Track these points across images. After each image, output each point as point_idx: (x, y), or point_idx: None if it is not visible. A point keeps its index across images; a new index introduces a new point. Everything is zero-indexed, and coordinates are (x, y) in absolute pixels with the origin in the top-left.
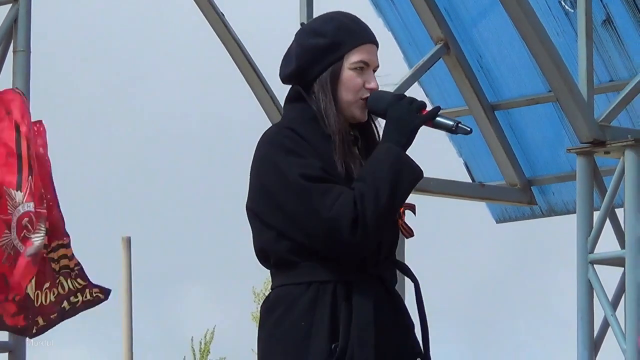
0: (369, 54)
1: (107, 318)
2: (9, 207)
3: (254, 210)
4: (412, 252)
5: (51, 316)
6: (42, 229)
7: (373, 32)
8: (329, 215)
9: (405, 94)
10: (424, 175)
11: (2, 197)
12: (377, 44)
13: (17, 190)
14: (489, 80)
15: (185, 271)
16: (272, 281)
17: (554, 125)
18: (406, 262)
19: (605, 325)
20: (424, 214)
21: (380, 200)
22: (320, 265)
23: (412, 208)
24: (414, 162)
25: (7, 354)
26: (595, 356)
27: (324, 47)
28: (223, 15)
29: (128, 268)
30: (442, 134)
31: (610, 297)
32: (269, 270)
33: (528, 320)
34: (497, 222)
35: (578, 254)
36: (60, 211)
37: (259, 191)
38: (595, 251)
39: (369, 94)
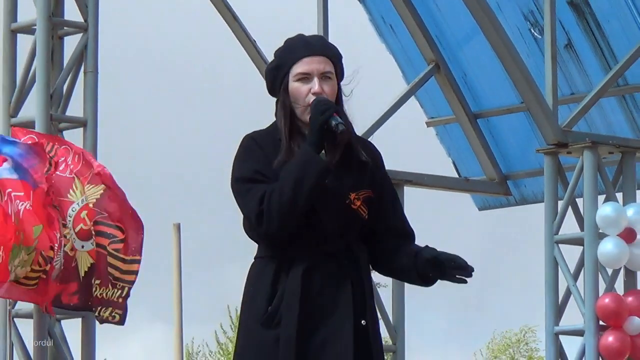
0: (309, 65)
1: (163, 295)
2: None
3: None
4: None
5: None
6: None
7: (324, 44)
8: (244, 211)
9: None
10: (420, 172)
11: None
12: (321, 54)
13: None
14: (472, 94)
15: (226, 252)
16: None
17: (525, 130)
18: None
19: (568, 293)
20: (420, 203)
21: (283, 193)
22: (272, 244)
23: (368, 194)
24: (319, 159)
25: (80, 319)
26: (560, 319)
27: (274, 67)
28: (255, 42)
29: (178, 251)
30: (434, 138)
31: (572, 271)
32: None
33: (506, 289)
34: (480, 209)
35: (545, 235)
36: (138, 233)
37: None
38: (560, 233)
39: (313, 98)
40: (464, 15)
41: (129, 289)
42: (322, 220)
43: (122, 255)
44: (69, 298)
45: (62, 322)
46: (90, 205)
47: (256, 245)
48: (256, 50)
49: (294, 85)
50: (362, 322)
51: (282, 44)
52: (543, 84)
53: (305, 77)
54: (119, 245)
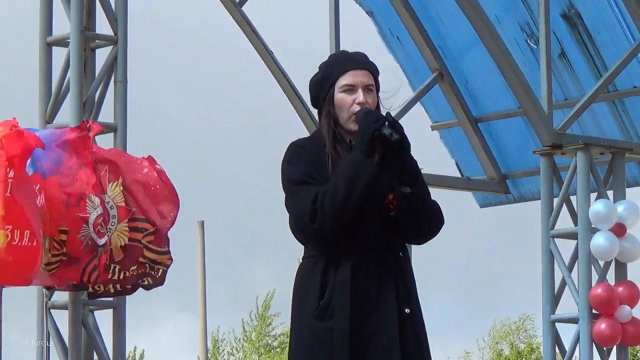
0: (354, 77)
1: (191, 288)
2: (88, 208)
3: (285, 204)
4: None
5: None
6: (111, 228)
7: (366, 60)
8: (297, 209)
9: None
10: (428, 173)
11: (83, 199)
12: (364, 68)
13: (94, 195)
14: (473, 100)
15: (251, 247)
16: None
17: (522, 133)
18: None
19: (563, 284)
20: None
21: (337, 193)
22: (319, 245)
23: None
24: (370, 164)
25: (111, 310)
26: (556, 307)
27: (320, 80)
28: (273, 53)
29: (202, 247)
30: (439, 141)
31: (566, 263)
32: None
33: (505, 281)
34: (481, 207)
35: (542, 230)
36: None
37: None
38: (555, 228)
39: (359, 108)
40: (465, 27)
41: (165, 271)
42: (365, 220)
43: (155, 247)
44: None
45: (95, 312)
46: (121, 204)
47: (300, 245)
48: (273, 60)
49: (339, 96)
50: (406, 310)
51: (326, 58)
52: (539, 90)
53: (350, 89)
54: (151, 238)
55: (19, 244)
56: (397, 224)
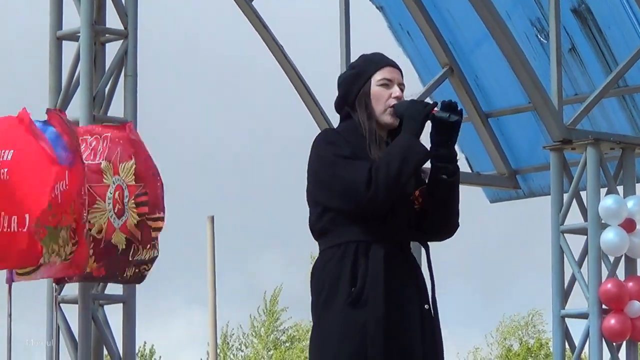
0: (391, 73)
1: (201, 283)
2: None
3: (307, 192)
4: None
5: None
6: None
7: (394, 60)
8: (350, 178)
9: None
10: None
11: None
12: (397, 68)
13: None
14: (483, 95)
15: (260, 242)
16: (319, 249)
17: (533, 128)
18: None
19: (573, 279)
20: None
21: (390, 169)
22: (348, 231)
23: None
24: (422, 145)
25: (121, 304)
26: (566, 302)
27: (355, 75)
28: (282, 47)
29: (212, 242)
30: None
31: (576, 258)
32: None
33: (515, 276)
34: (491, 202)
35: (552, 225)
36: (159, 189)
37: (310, 175)
38: (565, 223)
39: (395, 102)
40: (475, 22)
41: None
42: (396, 212)
43: (152, 216)
44: (98, 270)
45: (105, 307)
46: (131, 183)
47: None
48: (283, 54)
49: (375, 89)
50: (425, 306)
51: (358, 58)
52: (549, 86)
53: (387, 83)
54: (146, 208)
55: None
56: (420, 221)
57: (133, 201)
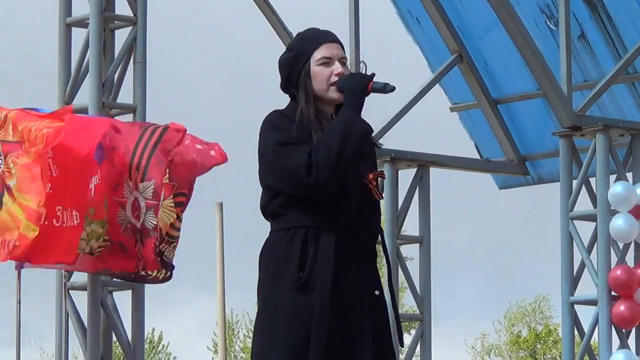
0: (329, 50)
1: (209, 269)
2: (125, 192)
3: (259, 174)
4: (439, 211)
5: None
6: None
7: (335, 35)
8: (292, 165)
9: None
10: (447, 154)
11: (121, 184)
12: (336, 42)
13: (130, 180)
14: (493, 81)
15: (266, 229)
16: (270, 229)
17: (542, 115)
18: (434, 220)
19: (582, 265)
20: (445, 183)
21: (330, 149)
22: (299, 215)
23: (381, 174)
24: (362, 120)
25: (130, 291)
26: (575, 289)
27: (294, 57)
28: (292, 34)
29: (221, 229)
30: (458, 123)
31: (586, 245)
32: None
33: (524, 263)
34: (500, 188)
35: (561, 212)
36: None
37: (260, 159)
38: (574, 210)
39: (337, 79)
40: (484, 8)
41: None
42: (348, 195)
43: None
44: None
45: (114, 293)
46: (166, 181)
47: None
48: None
49: (315, 69)
50: (376, 292)
51: (295, 37)
52: (558, 72)
53: (327, 62)
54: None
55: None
56: (376, 208)
57: (171, 201)
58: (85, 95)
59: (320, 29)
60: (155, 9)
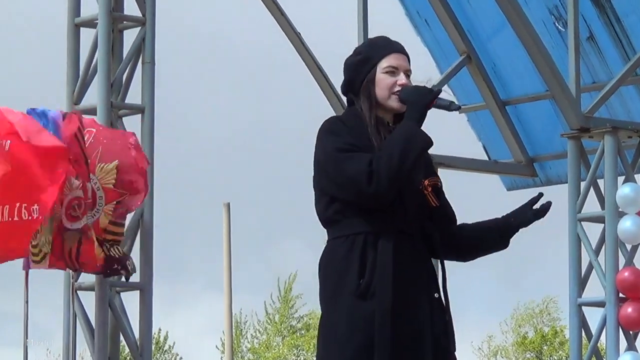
0: (397, 60)
1: (217, 269)
2: (65, 190)
3: (314, 180)
4: None
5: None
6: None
7: (403, 46)
8: (351, 172)
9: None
10: (455, 155)
11: (66, 182)
12: (404, 54)
13: (75, 179)
14: (501, 83)
15: (277, 228)
16: (327, 236)
17: (550, 116)
18: None
19: (590, 267)
20: (453, 184)
21: (392, 160)
22: (356, 222)
23: (437, 181)
24: (424, 132)
25: (138, 291)
26: (583, 291)
27: (360, 61)
28: (300, 34)
29: (228, 229)
30: (466, 124)
31: (594, 246)
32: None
33: (532, 264)
34: (508, 190)
35: (569, 213)
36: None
37: (316, 164)
38: (582, 211)
39: (400, 89)
40: (493, 10)
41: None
42: (404, 201)
43: (116, 220)
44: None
45: (122, 294)
46: (109, 186)
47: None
48: (301, 42)
49: (380, 77)
50: (435, 295)
51: (363, 42)
52: (567, 74)
53: (393, 71)
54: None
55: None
56: (431, 212)
57: (111, 206)
58: (94, 96)
59: (389, 38)
60: (164, 9)
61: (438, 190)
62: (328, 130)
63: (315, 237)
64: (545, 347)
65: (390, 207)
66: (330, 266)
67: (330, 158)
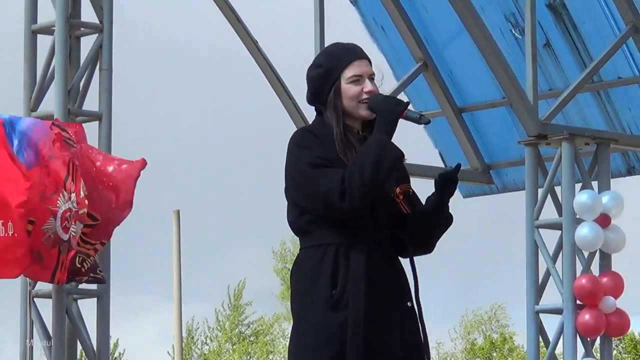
0: (359, 67)
1: (164, 281)
2: (58, 202)
3: (286, 193)
4: None
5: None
6: (78, 224)
7: (362, 50)
8: (324, 190)
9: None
10: (412, 163)
11: (57, 193)
12: (365, 58)
13: (65, 190)
14: (458, 90)
15: (227, 236)
16: (300, 245)
17: (506, 123)
18: None
19: (547, 274)
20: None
21: (364, 175)
22: (328, 232)
23: (408, 188)
24: (395, 146)
25: (95, 299)
26: (540, 298)
27: (322, 74)
28: (257, 42)
29: (178, 237)
30: (423, 131)
31: (551, 253)
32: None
33: (487, 270)
34: (464, 197)
35: (527, 220)
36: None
37: (287, 177)
38: (540, 218)
39: (368, 96)
40: (449, 17)
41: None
42: (376, 211)
43: (89, 240)
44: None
45: (79, 302)
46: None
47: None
48: (257, 49)
49: (345, 87)
50: (408, 304)
51: (322, 52)
52: (524, 81)
53: (357, 79)
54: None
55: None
56: (403, 221)
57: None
58: (51, 103)
59: (346, 43)
60: (122, 16)
61: (410, 197)
62: (299, 144)
63: (264, 245)
64: (494, 354)
65: (362, 218)
66: (302, 275)
67: (302, 173)
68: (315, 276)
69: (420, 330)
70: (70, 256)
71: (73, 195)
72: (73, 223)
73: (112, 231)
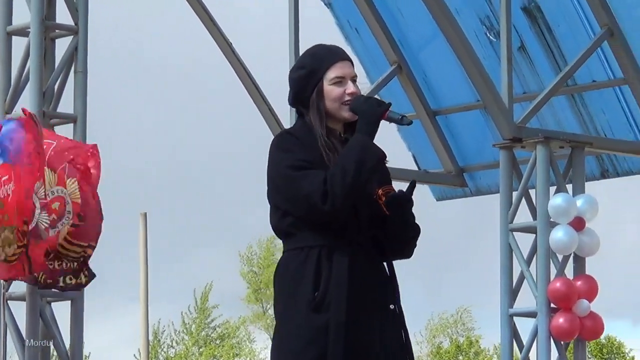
0: (342, 69)
1: (130, 283)
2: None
3: (268, 196)
4: None
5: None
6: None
7: (345, 51)
8: (306, 192)
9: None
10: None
11: (41, 187)
12: (349, 60)
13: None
14: (432, 93)
15: (193, 239)
16: (283, 247)
17: (481, 126)
18: None
19: (522, 278)
20: None
21: (346, 177)
22: (311, 235)
23: (390, 190)
24: (377, 147)
25: (69, 301)
26: (514, 301)
27: (305, 75)
28: (232, 44)
29: (145, 239)
30: (396, 133)
31: (525, 257)
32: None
33: (458, 274)
34: (437, 200)
35: (501, 224)
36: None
37: (269, 180)
38: (514, 222)
39: (350, 98)
40: (424, 20)
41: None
42: (358, 212)
43: (77, 241)
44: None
45: (53, 304)
46: (77, 200)
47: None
48: (232, 51)
49: (328, 89)
50: (391, 306)
51: (304, 53)
52: (499, 84)
53: (340, 81)
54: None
55: None
56: (385, 222)
57: (71, 221)
58: (26, 104)
59: (328, 45)
60: (97, 19)
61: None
62: (280, 147)
63: (231, 248)
64: (460, 357)
65: (344, 220)
66: (285, 278)
67: (283, 176)
68: (299, 278)
69: (403, 332)
70: (42, 248)
71: (65, 191)
72: (41, 211)
73: (99, 233)
